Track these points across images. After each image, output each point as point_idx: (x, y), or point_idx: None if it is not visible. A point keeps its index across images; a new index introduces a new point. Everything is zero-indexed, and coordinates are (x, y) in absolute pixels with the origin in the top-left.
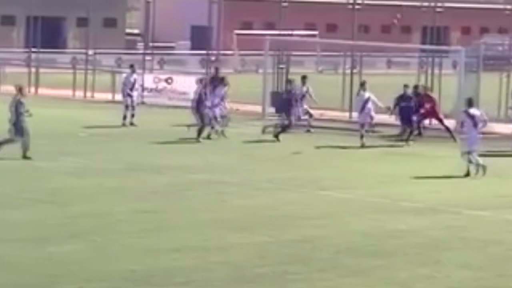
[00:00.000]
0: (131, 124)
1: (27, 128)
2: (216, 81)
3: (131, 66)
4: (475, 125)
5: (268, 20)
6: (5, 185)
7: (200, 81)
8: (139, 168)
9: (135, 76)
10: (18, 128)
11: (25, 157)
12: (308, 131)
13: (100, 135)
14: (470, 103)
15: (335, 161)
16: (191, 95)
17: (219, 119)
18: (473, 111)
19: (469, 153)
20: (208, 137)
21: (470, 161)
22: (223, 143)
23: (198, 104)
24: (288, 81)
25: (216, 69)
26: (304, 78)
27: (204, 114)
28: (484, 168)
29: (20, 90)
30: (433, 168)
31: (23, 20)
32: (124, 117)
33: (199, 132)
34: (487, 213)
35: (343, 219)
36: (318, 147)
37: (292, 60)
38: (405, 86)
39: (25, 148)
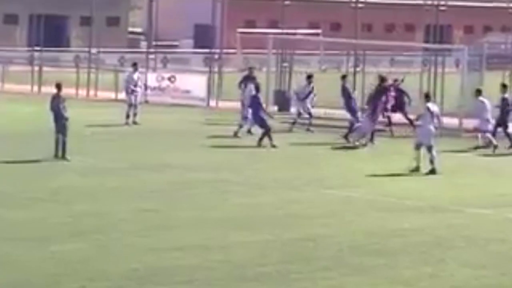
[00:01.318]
0: (134, 123)
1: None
2: (247, 81)
3: (134, 64)
4: (431, 120)
5: (271, 19)
6: (8, 184)
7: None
8: (142, 167)
9: (137, 74)
10: (61, 126)
11: (64, 157)
12: (308, 129)
13: (103, 134)
14: (428, 97)
15: (338, 160)
16: (194, 93)
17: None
18: (431, 106)
19: (419, 146)
20: (235, 135)
21: (418, 155)
22: (226, 142)
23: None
24: (309, 77)
25: (250, 69)
26: (309, 77)
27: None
28: (433, 163)
29: (59, 87)
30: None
31: (26, 19)
32: (128, 116)
33: (267, 136)
34: (489, 212)
35: (346, 218)
36: (319, 145)
37: (295, 58)
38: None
39: (64, 148)
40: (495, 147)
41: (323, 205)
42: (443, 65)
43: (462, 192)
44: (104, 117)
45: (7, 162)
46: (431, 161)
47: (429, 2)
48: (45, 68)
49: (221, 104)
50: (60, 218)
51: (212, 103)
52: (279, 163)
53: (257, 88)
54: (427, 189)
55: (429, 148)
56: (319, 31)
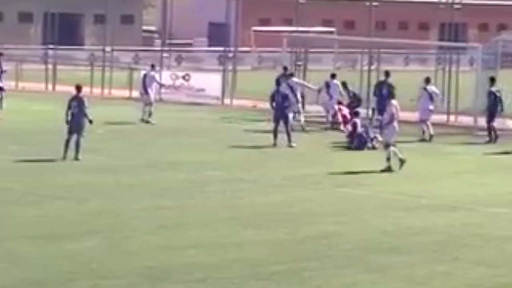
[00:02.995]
0: (147, 122)
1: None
2: (283, 79)
3: (152, 66)
4: (395, 116)
5: (285, 17)
6: (21, 182)
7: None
8: (156, 165)
9: (153, 73)
10: (78, 126)
11: (76, 158)
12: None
13: (117, 132)
14: (392, 95)
15: (351, 157)
16: (208, 92)
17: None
18: (395, 102)
19: (387, 145)
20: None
21: (389, 155)
22: (240, 141)
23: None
24: (343, 84)
25: (285, 68)
26: (333, 76)
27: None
28: (402, 161)
29: (79, 89)
30: (448, 165)
31: (40, 17)
32: (149, 114)
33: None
34: (503, 210)
35: (360, 216)
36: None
37: (310, 57)
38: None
39: (78, 148)
40: (431, 136)
41: (336, 203)
42: (457, 63)
43: (476, 191)
44: (118, 115)
45: (22, 161)
46: (388, 159)
47: (444, 0)
48: (59, 67)
49: (235, 102)
50: (74, 216)
51: (227, 101)
52: (292, 161)
53: (291, 87)
54: (441, 188)
55: (387, 145)
56: (333, 29)
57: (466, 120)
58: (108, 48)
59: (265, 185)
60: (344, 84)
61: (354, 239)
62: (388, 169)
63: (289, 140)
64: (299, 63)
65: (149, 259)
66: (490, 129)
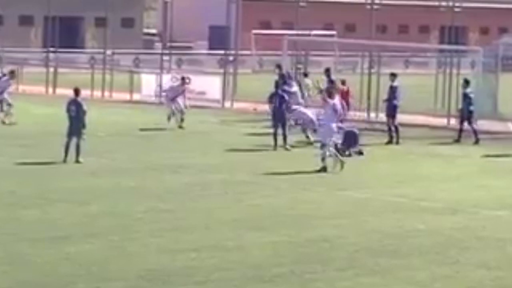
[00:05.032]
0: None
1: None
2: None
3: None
4: (334, 115)
5: (286, 20)
6: (23, 184)
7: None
8: (157, 168)
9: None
10: (77, 129)
11: (77, 161)
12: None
13: (118, 135)
14: (330, 93)
15: (353, 160)
16: (209, 95)
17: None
18: (333, 102)
19: (323, 145)
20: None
21: (324, 155)
22: (241, 143)
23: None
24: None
25: (278, 66)
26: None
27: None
28: (342, 163)
29: (77, 92)
30: (449, 167)
31: (41, 20)
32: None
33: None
34: (505, 213)
35: (362, 219)
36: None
37: (310, 60)
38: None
39: (78, 151)
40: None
41: (337, 206)
42: (458, 66)
43: (478, 194)
44: (119, 118)
45: (23, 163)
46: (323, 159)
47: (444, 4)
48: (60, 70)
49: (236, 105)
50: (75, 219)
51: (227, 104)
52: (293, 164)
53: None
54: (442, 190)
55: (323, 146)
56: (333, 32)
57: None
58: (108, 51)
59: (267, 188)
60: (327, 71)
61: (355, 242)
62: (324, 170)
63: (285, 142)
64: (300, 66)
65: (151, 262)
66: (461, 130)
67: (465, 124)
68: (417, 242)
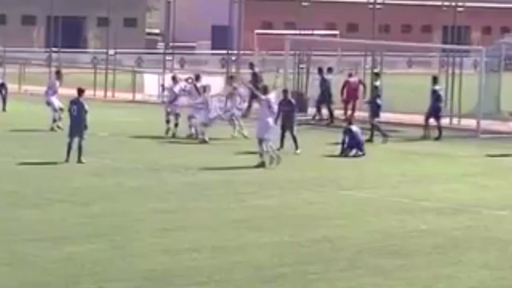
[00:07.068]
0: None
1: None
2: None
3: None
4: (269, 111)
5: (288, 20)
6: (25, 184)
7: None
8: (159, 168)
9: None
10: (79, 130)
11: (79, 161)
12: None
13: (120, 135)
14: (266, 89)
15: (355, 161)
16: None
17: None
18: (267, 97)
19: (261, 141)
20: None
21: (261, 151)
22: (242, 143)
23: None
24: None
25: (251, 64)
26: (251, 64)
27: None
28: (278, 158)
29: (80, 93)
30: (452, 167)
31: (43, 20)
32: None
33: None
34: (507, 213)
35: (364, 219)
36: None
37: (313, 60)
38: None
39: (80, 151)
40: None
41: (340, 206)
42: (461, 66)
43: (481, 194)
44: (121, 118)
45: (25, 163)
46: (260, 154)
47: (447, 3)
48: (62, 69)
49: None
50: (78, 219)
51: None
52: (296, 164)
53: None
54: (445, 190)
55: (260, 141)
56: (336, 32)
57: (469, 122)
58: (111, 51)
59: (269, 188)
60: (251, 64)
61: (358, 242)
62: (262, 165)
63: (296, 147)
64: (302, 66)
65: (153, 262)
66: (427, 125)
67: (431, 120)
68: (419, 243)
